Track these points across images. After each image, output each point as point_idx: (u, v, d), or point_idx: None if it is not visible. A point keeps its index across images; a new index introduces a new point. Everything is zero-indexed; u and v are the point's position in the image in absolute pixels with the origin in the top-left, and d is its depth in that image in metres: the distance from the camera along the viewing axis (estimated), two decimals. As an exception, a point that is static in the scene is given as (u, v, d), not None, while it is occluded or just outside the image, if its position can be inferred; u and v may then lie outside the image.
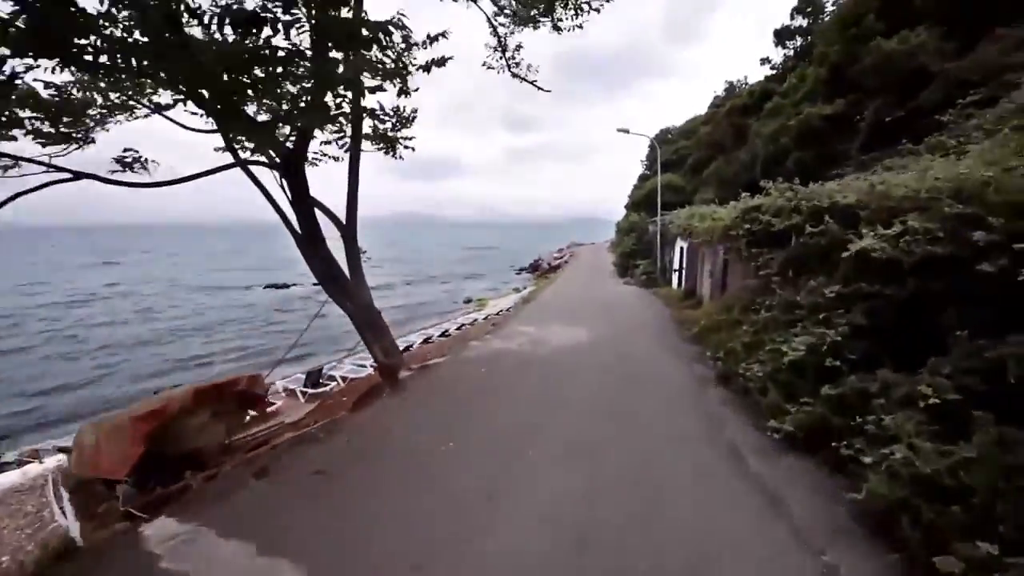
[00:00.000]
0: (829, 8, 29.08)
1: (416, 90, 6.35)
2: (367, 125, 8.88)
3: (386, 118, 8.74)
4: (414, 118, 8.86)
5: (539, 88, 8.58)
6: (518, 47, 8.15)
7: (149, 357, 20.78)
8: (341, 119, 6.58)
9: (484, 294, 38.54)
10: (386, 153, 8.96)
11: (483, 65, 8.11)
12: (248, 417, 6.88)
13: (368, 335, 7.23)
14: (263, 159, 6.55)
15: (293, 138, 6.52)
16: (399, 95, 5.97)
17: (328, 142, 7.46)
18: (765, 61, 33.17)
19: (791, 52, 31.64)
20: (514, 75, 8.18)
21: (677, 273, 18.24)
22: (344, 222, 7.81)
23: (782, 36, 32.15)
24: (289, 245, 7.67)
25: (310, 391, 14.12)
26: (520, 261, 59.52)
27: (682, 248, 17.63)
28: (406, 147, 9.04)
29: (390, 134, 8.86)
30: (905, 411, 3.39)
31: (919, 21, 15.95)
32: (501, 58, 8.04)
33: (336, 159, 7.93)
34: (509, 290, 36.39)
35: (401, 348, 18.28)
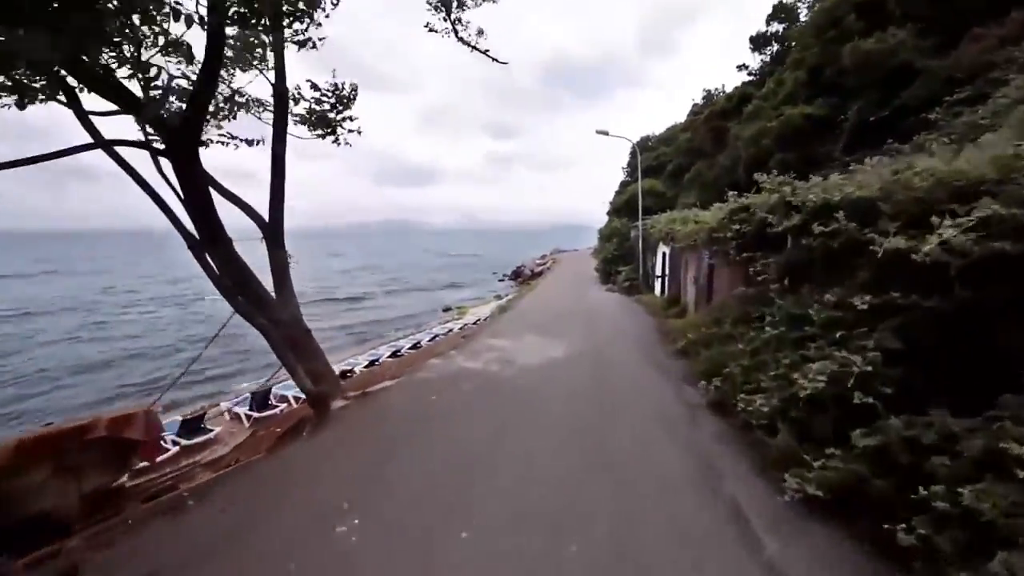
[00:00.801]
0: (804, 14, 29.18)
1: (323, 40, 5.21)
2: (303, 107, 7.69)
3: (323, 98, 7.57)
4: (354, 96, 7.71)
5: (494, 60, 7.50)
6: (468, 24, 7.09)
7: (87, 382, 18.78)
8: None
9: (465, 302, 37.33)
10: (324, 137, 7.76)
11: (425, 27, 7.02)
12: (134, 464, 5.49)
13: (290, 357, 5.94)
14: (148, 140, 5.25)
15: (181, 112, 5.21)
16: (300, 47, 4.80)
17: (224, 114, 6.24)
18: (742, 67, 33.13)
19: (767, 58, 31.65)
20: (460, 40, 7.11)
21: (660, 280, 17.35)
22: (267, 220, 6.54)
23: (758, 42, 32.17)
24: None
25: (255, 415, 12.72)
26: (503, 268, 58.54)
27: (664, 254, 16.76)
28: (351, 131, 7.88)
29: (329, 116, 7.69)
30: (993, 482, 2.32)
31: (894, 23, 15.63)
32: (446, 19, 6.95)
33: (251, 142, 6.68)
34: (491, 297, 35.25)
35: (366, 364, 17.07)
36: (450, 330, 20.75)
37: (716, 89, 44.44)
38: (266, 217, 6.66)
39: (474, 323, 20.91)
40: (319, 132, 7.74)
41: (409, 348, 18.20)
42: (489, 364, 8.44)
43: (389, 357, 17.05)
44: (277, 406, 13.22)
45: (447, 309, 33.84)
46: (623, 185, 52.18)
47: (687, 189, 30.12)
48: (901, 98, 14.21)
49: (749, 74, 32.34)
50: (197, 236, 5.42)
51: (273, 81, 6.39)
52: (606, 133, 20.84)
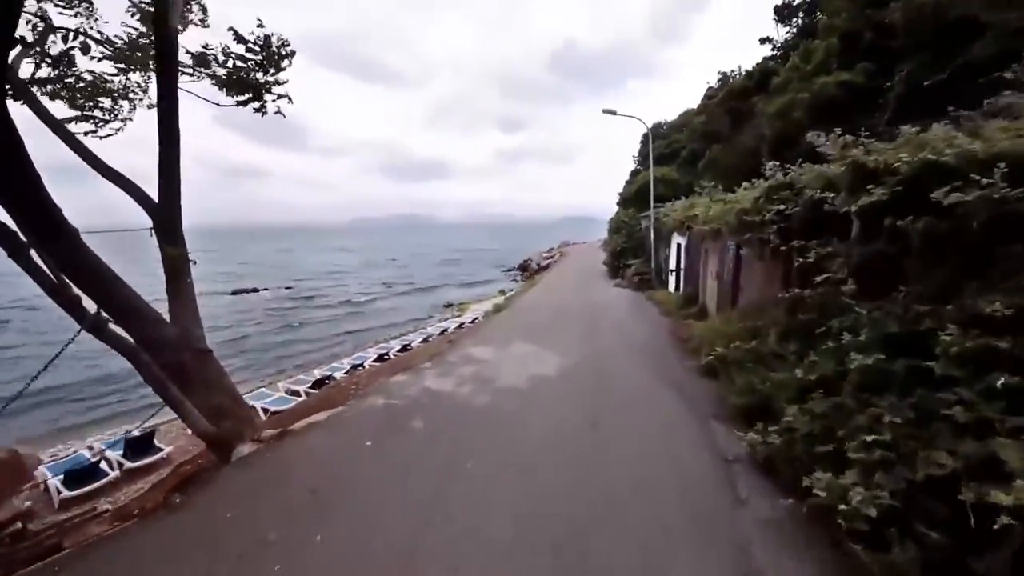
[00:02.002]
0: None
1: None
2: (223, 69, 6.09)
3: (249, 54, 5.93)
4: (287, 55, 6.06)
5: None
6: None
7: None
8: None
9: (469, 297, 35.81)
10: (245, 104, 6.13)
11: None
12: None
13: (173, 390, 4.32)
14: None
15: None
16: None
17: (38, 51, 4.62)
18: (765, 40, 30.48)
19: (794, 30, 29.03)
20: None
21: (674, 274, 15.46)
22: (157, 203, 4.94)
23: (783, 12, 29.53)
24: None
25: (127, 463, 9.58)
26: (511, 261, 56.91)
27: (679, 245, 14.85)
28: (280, 96, 6.26)
29: (253, 76, 6.06)
30: None
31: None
32: None
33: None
34: (495, 293, 33.63)
35: (346, 370, 15.57)
36: (444, 330, 19.16)
37: (733, 71, 41.73)
38: (158, 200, 5.05)
39: (471, 322, 19.31)
40: (239, 96, 6.11)
41: (398, 351, 16.69)
42: (461, 385, 6.75)
43: (375, 361, 15.58)
44: (160, 450, 11.62)
45: (448, 306, 32.33)
46: (634, 175, 49.90)
47: (702, 175, 27.97)
48: (963, 57, 12.02)
49: (773, 48, 29.73)
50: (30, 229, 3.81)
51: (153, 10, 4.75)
52: (613, 112, 18.87)
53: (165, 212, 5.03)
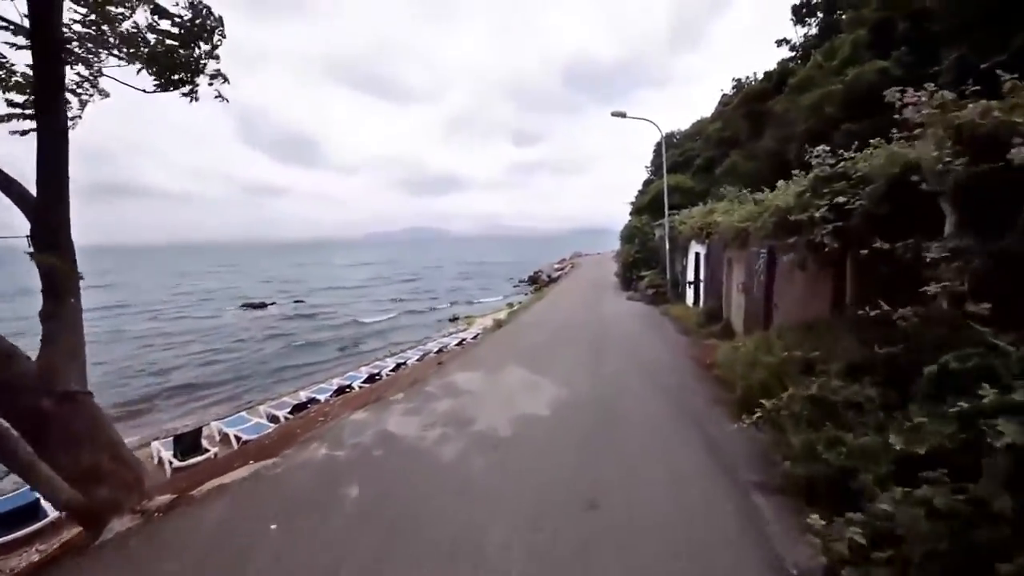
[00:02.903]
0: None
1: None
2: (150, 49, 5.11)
3: (174, 26, 4.93)
4: (217, 30, 5.05)
5: None
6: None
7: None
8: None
9: (477, 310, 34.62)
10: (174, 88, 5.12)
11: None
12: None
13: (22, 450, 3.17)
14: None
15: None
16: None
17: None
18: (782, 42, 29.16)
19: (813, 30, 27.67)
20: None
21: (692, 286, 14.01)
22: (36, 201, 3.88)
23: (801, 13, 28.24)
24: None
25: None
26: (522, 274, 55.79)
27: (698, 254, 13.43)
28: (214, 77, 5.24)
29: (180, 55, 5.05)
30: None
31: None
32: None
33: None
34: (503, 305, 32.40)
35: (336, 389, 14.39)
36: (442, 347, 17.92)
37: (748, 77, 40.36)
38: (36, 196, 3.98)
39: (472, 337, 18.06)
40: (164, 80, 5.10)
41: (390, 371, 15.50)
42: (429, 427, 5.45)
43: (364, 382, 14.40)
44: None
45: (454, 319, 31.16)
46: (647, 184, 48.63)
47: (720, 182, 26.53)
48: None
49: (791, 49, 28.38)
50: None
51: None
52: (623, 115, 17.69)
53: (46, 212, 3.96)
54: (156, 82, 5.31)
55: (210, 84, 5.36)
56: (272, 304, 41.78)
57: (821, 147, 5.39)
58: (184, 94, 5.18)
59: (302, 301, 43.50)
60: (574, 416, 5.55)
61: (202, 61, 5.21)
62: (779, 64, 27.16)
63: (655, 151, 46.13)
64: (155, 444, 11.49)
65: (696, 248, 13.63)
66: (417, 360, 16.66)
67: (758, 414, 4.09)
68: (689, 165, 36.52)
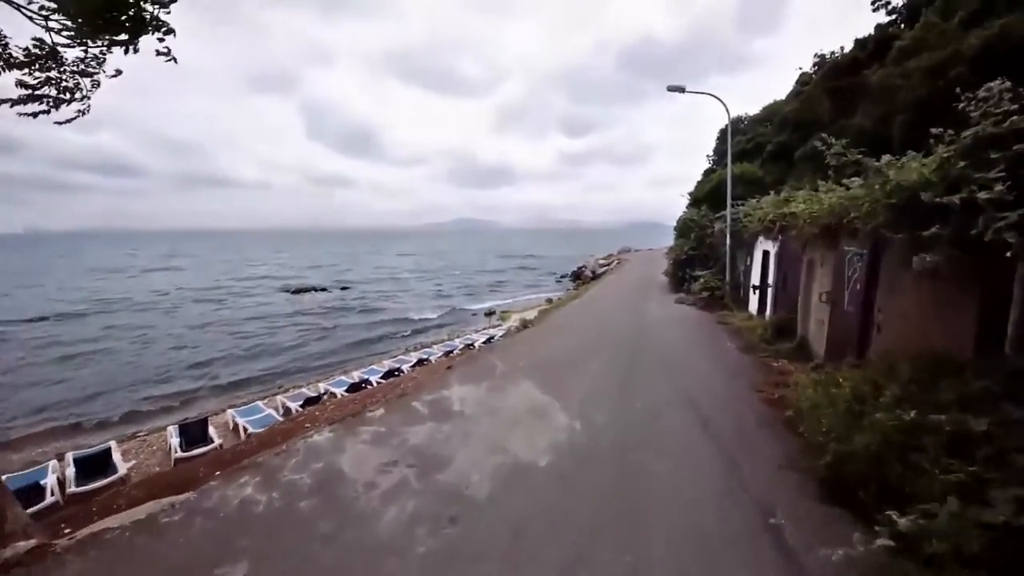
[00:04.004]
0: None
1: None
2: None
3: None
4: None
5: None
6: None
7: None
8: None
9: (517, 304, 33.38)
10: (121, 43, 4.19)
11: None
12: None
13: None
14: None
15: None
16: None
17: None
18: (879, 5, 24.71)
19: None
20: None
21: (757, 292, 11.72)
22: None
23: (909, -32, 23.68)
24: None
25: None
26: (568, 268, 53.83)
27: (767, 253, 11.15)
28: (165, 32, 4.28)
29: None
30: None
31: None
32: None
33: None
34: (542, 300, 30.92)
35: (355, 382, 13.62)
36: (469, 343, 16.80)
37: (833, 53, 35.24)
38: None
39: (501, 336, 16.78)
40: (114, 38, 4.16)
41: (411, 366, 14.60)
42: (390, 468, 4.15)
43: (381, 378, 13.59)
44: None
45: (490, 314, 30.11)
46: (708, 174, 44.71)
47: (798, 169, 23.09)
48: None
49: (890, 13, 23.98)
50: None
51: None
52: (681, 89, 15.38)
53: None
54: (84, 29, 4.38)
55: (161, 39, 4.37)
56: (323, 290, 43.10)
57: (997, 83, 3.40)
58: (126, 43, 4.23)
59: (348, 288, 44.52)
60: (580, 475, 3.99)
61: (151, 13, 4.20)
62: (876, 29, 22.99)
63: (719, 137, 42.08)
64: (170, 428, 11.34)
65: (764, 246, 11.33)
66: (439, 357, 15.69)
67: (883, 533, 2.36)
68: (758, 152, 32.66)
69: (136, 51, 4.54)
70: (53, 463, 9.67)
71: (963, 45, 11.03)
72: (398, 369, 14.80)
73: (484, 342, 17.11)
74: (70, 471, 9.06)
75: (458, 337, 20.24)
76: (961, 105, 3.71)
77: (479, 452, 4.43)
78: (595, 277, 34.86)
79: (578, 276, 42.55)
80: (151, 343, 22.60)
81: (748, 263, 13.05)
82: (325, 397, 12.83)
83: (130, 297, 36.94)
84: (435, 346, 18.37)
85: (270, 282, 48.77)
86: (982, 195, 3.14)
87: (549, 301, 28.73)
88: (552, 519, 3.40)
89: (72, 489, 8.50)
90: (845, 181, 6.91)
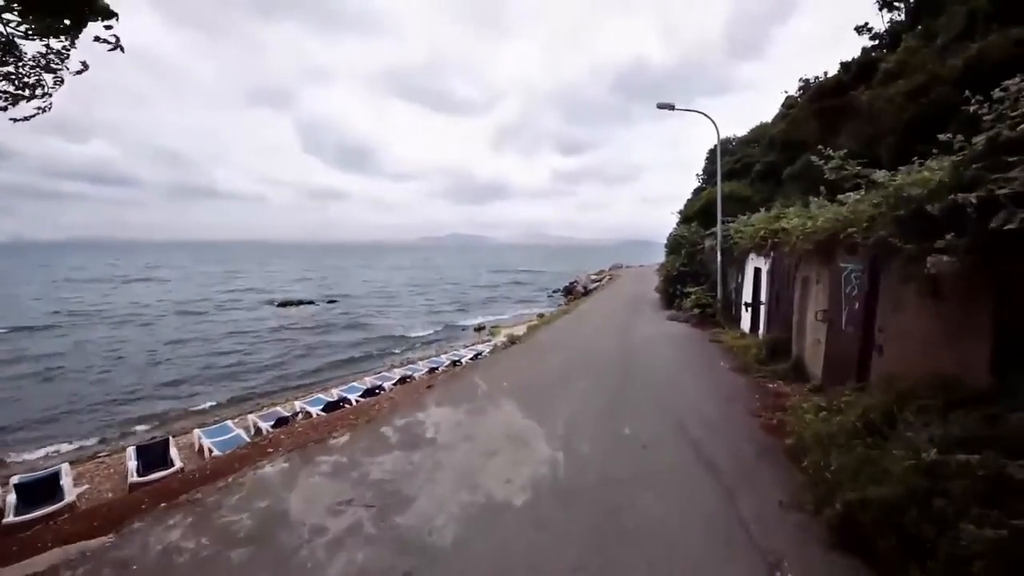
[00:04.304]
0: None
1: None
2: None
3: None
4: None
5: None
6: None
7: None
8: None
9: (507, 319, 32.91)
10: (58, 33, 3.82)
11: None
12: None
13: None
14: None
15: None
16: None
17: None
18: (864, 29, 25.38)
19: (900, 15, 23.82)
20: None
21: (749, 309, 11.43)
22: None
23: (889, -3, 24.44)
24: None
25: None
26: (560, 284, 53.68)
27: (758, 271, 10.90)
28: (109, 13, 3.94)
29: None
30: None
31: None
32: None
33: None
34: (534, 316, 30.50)
35: (334, 399, 12.86)
36: (455, 361, 16.24)
37: (817, 77, 36.11)
38: None
39: (488, 352, 16.27)
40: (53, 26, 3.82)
41: (394, 383, 13.99)
42: (343, 509, 3.63)
43: (361, 396, 12.96)
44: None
45: (480, 328, 29.57)
46: (697, 192, 45.21)
47: (786, 188, 23.26)
48: None
49: (873, 37, 24.63)
50: None
51: None
52: (671, 107, 15.37)
53: None
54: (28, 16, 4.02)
55: (108, 27, 4.03)
56: (310, 303, 42.21)
57: (1015, 81, 3.14)
58: (62, 33, 3.86)
59: (336, 301, 43.71)
60: (559, 518, 3.51)
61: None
62: (859, 57, 23.56)
63: (708, 157, 42.70)
64: (129, 450, 10.56)
65: (756, 263, 11.10)
66: (426, 373, 15.11)
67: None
68: (746, 172, 33.09)
69: (69, 40, 4.18)
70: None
71: (944, 68, 11.11)
72: (380, 387, 14.19)
73: (472, 358, 16.58)
74: (11, 497, 8.32)
75: (445, 353, 19.66)
76: (972, 108, 3.45)
77: (448, 488, 3.94)
78: (586, 293, 34.61)
79: (570, 291, 42.31)
80: (124, 358, 21.64)
81: (740, 280, 12.81)
82: (300, 416, 12.17)
83: (106, 309, 35.79)
84: (421, 362, 17.77)
85: (256, 295, 47.77)
86: (1003, 191, 2.83)
87: (540, 316, 28.35)
88: (524, 565, 2.91)
89: (9, 519, 7.76)
90: (841, 196, 6.69)
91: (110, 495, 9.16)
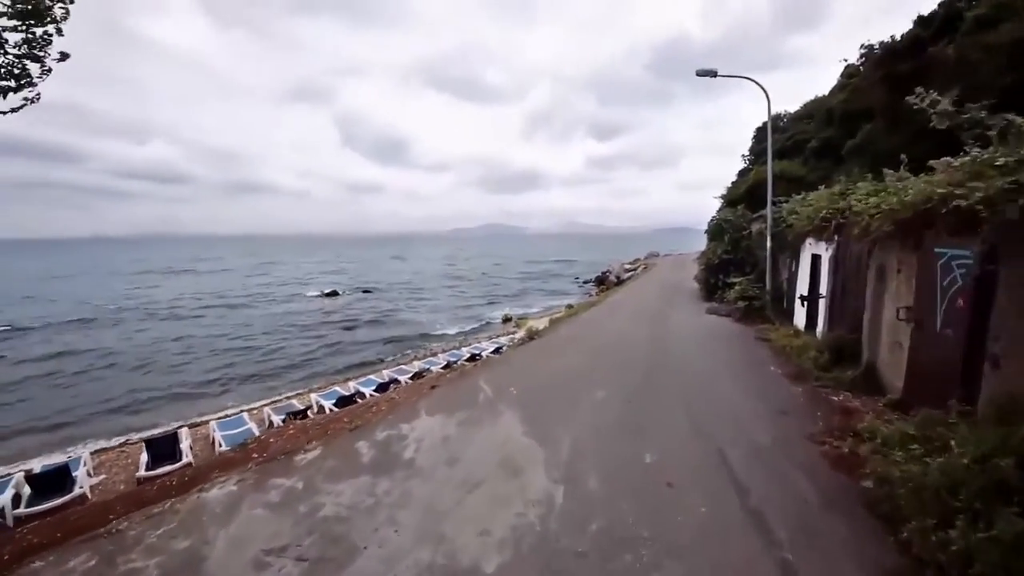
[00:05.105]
0: None
1: None
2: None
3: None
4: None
5: None
6: None
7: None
8: None
9: (537, 310, 31.94)
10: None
11: None
12: None
13: None
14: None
15: None
16: None
17: None
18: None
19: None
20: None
21: (805, 302, 9.85)
22: None
23: (980, -61, 20.87)
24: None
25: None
26: (591, 272, 52.03)
27: (817, 258, 9.31)
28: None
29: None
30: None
31: None
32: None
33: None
34: (562, 306, 29.38)
35: (348, 395, 12.44)
36: (476, 355, 15.49)
37: (882, 42, 31.97)
38: None
39: (507, 345, 15.39)
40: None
41: (410, 378, 13.43)
42: (258, 569, 2.84)
43: (376, 390, 12.46)
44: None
45: (507, 319, 28.75)
46: (742, 174, 41.92)
47: (847, 165, 20.67)
48: None
49: (949, -7, 21.18)
50: None
51: None
52: (713, 73, 13.63)
53: None
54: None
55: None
56: (343, 293, 43.00)
57: None
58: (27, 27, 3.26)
59: (368, 292, 44.26)
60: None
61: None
62: (941, 5, 20.33)
63: (754, 136, 39.39)
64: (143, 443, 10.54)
65: (815, 248, 9.50)
66: (440, 367, 14.47)
67: None
68: (799, 150, 30.04)
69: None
70: (19, 476, 8.99)
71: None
72: (395, 380, 13.70)
73: (493, 351, 15.79)
74: (26, 489, 8.32)
75: (467, 346, 18.98)
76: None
77: (407, 538, 3.06)
78: (619, 282, 32.98)
79: (601, 281, 40.69)
80: (160, 348, 22.48)
81: (793, 269, 11.16)
82: (315, 409, 11.87)
83: (151, 302, 37.79)
84: (441, 355, 17.18)
85: (290, 287, 49.24)
86: None
87: (569, 307, 27.18)
88: None
89: (20, 510, 7.70)
90: (934, 163, 5.20)
91: (122, 487, 9.06)
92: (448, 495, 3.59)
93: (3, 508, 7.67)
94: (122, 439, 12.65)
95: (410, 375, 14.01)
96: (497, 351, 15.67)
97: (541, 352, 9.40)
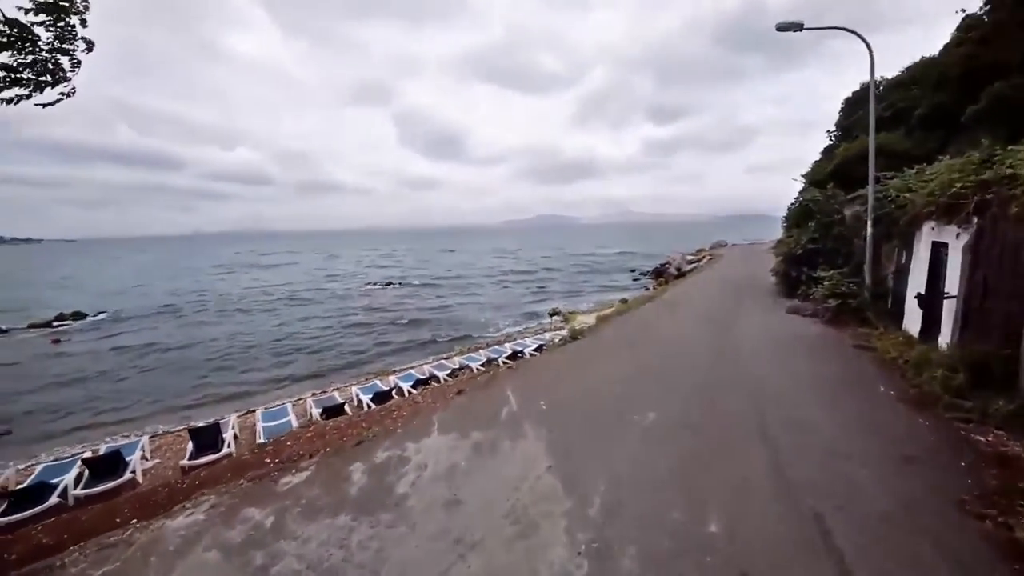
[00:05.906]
0: None
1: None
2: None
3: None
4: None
5: None
6: None
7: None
8: None
9: (589, 304, 30.51)
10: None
11: None
12: None
13: None
14: None
15: None
16: None
17: None
18: None
19: None
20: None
21: (921, 302, 7.81)
22: None
23: None
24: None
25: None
26: (648, 264, 49.26)
27: (941, 247, 7.27)
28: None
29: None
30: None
31: None
32: None
33: None
34: (614, 301, 27.72)
35: (386, 390, 12.14)
36: (519, 352, 14.62)
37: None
38: None
39: (549, 343, 14.36)
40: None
41: (447, 375, 12.90)
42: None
43: (413, 387, 12.05)
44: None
45: (554, 314, 27.61)
46: (827, 152, 36.99)
47: (967, 134, 17.02)
48: None
49: None
50: None
51: None
52: (799, 27, 11.44)
53: None
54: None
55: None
56: (396, 285, 44.26)
57: None
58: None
59: (422, 284, 45.19)
60: None
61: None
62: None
63: (842, 109, 34.46)
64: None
65: (938, 235, 7.47)
66: (480, 365, 13.79)
67: None
68: (899, 122, 25.55)
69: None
70: (87, 455, 9.57)
71: None
72: (434, 376, 13.26)
73: (535, 349, 14.87)
74: (84, 471, 8.74)
75: (510, 341, 18.20)
76: None
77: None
78: (680, 275, 30.48)
79: (660, 274, 38.05)
80: (233, 342, 24.07)
81: (903, 260, 9.03)
82: (354, 403, 11.72)
83: (227, 293, 41.12)
84: (482, 351, 16.54)
85: (349, 280, 51.53)
86: None
87: (623, 302, 25.47)
88: None
89: (76, 491, 8.04)
90: None
91: (169, 473, 9.32)
92: (432, 561, 2.73)
93: (66, 488, 8.03)
94: (183, 426, 13.43)
95: (448, 371, 13.50)
96: (539, 349, 14.73)
97: (583, 357, 8.29)
